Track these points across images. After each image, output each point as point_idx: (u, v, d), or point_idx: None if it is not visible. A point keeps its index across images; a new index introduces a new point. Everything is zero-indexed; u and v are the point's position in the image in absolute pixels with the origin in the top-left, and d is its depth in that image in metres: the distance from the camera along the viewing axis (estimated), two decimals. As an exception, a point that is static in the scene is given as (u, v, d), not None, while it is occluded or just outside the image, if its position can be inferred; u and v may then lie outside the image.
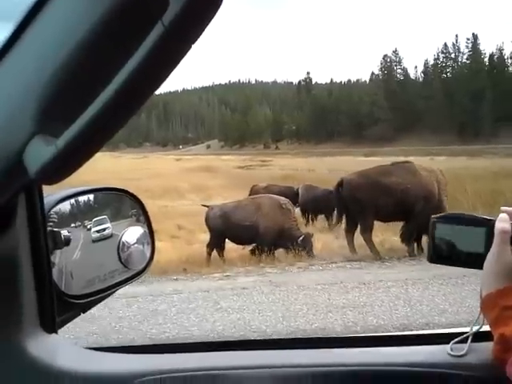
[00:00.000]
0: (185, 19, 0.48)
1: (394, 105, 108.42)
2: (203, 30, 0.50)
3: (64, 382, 0.89)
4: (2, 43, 0.58)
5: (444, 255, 0.97)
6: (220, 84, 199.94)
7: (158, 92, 0.61)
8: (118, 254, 1.09)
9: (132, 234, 1.12)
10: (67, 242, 1.00)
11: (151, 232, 1.15)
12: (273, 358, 0.99)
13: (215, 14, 0.50)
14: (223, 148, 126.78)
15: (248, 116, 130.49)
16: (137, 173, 31.21)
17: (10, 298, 0.86)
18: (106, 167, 30.03)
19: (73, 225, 1.05)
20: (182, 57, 0.52)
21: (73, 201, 1.07)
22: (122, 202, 1.18)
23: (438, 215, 0.98)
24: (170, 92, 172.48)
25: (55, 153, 0.55)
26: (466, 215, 0.96)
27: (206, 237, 10.38)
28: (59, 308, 0.95)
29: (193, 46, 0.50)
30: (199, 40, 0.51)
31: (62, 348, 0.94)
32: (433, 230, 0.97)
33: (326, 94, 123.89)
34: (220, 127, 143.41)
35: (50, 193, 0.99)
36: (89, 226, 1.07)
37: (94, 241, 1.07)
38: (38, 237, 0.88)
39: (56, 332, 0.94)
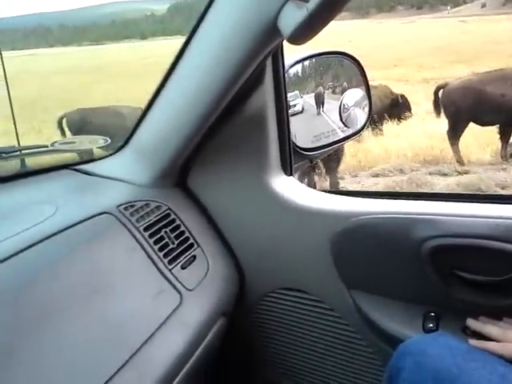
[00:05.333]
0: None
1: None
2: None
3: (296, 213, 1.06)
4: None
5: None
6: None
7: None
8: (340, 114, 1.24)
9: (351, 96, 1.24)
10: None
11: (369, 96, 1.24)
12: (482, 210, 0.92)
13: None
14: (505, 6, 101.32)
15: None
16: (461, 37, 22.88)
17: (260, 147, 1.04)
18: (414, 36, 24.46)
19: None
20: None
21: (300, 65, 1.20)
22: (342, 65, 1.27)
23: None
24: None
25: (306, 15, 0.64)
26: None
27: None
28: (293, 158, 1.12)
29: None
30: None
31: (296, 187, 1.11)
32: None
33: None
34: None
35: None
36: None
37: None
38: (281, 94, 0.99)
39: (292, 175, 1.13)
